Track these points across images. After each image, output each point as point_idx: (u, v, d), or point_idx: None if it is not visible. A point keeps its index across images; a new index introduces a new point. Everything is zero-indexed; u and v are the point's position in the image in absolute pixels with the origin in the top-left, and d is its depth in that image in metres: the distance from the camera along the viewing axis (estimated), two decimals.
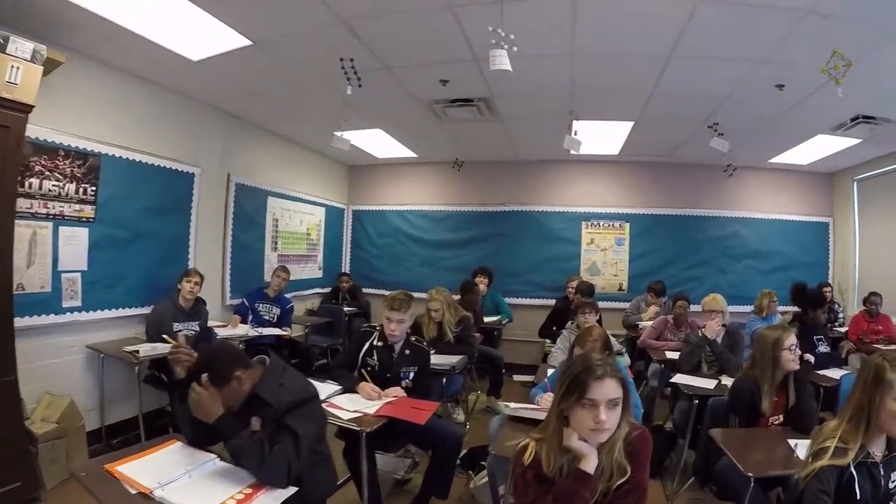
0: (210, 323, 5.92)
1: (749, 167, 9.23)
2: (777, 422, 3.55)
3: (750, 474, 2.82)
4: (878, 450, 2.38)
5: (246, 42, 4.61)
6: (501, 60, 3.76)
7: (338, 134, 5.93)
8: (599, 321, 6.35)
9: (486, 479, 3.75)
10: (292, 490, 2.37)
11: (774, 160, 8.76)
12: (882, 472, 2.35)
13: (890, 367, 2.33)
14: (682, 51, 4.66)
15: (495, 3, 3.77)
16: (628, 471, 2.02)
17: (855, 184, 8.97)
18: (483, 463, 4.04)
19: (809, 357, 3.71)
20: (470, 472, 4.42)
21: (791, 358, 3.50)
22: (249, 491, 2.29)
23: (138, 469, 2.36)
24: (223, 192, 6.92)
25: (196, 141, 6.40)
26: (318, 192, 9.32)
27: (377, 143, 8.35)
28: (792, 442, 3.10)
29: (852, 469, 2.28)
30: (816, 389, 4.17)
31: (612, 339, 5.46)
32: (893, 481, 2.38)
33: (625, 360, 5.44)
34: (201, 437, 2.69)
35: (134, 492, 2.22)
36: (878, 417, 2.32)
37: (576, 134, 6.15)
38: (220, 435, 2.61)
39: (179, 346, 2.75)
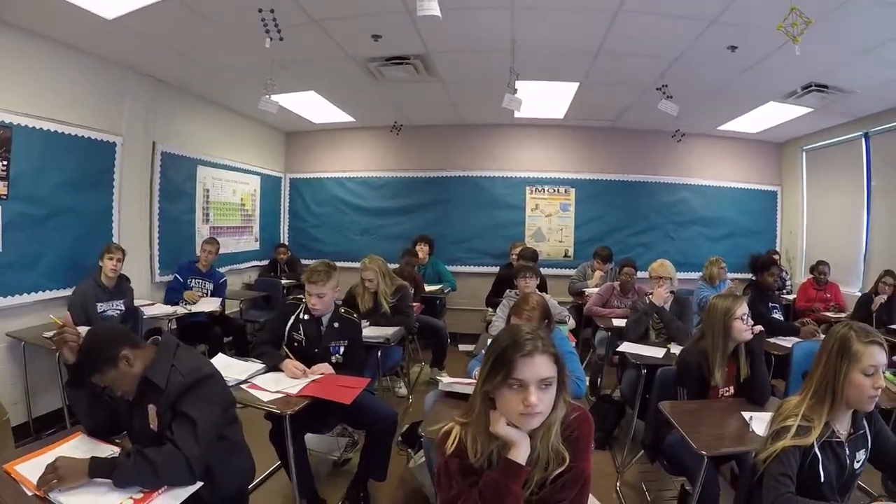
0: (137, 301, 5.62)
1: (698, 134, 9.26)
2: (728, 393, 3.48)
3: (703, 453, 2.69)
4: (843, 428, 2.28)
5: None
6: (430, 5, 3.56)
7: (266, 96, 5.71)
8: (543, 287, 6.24)
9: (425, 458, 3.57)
10: (195, 486, 2.16)
11: (724, 127, 8.80)
12: (847, 452, 2.25)
13: (856, 336, 2.20)
14: (631, 4, 4.49)
15: None
16: (567, 458, 1.76)
17: (804, 153, 9.14)
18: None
19: (760, 327, 3.58)
20: (410, 450, 4.22)
21: (743, 328, 3.42)
22: (148, 490, 2.11)
23: (35, 468, 2.14)
24: (148, 161, 6.53)
25: (118, 108, 5.99)
26: (252, 160, 8.95)
27: (313, 107, 8.09)
28: (746, 414, 3.02)
29: (816, 449, 2.17)
30: (768, 358, 4.08)
31: (558, 306, 5.35)
32: (859, 461, 2.30)
33: (567, 328, 5.27)
34: (102, 426, 2.49)
35: (30, 493, 2.06)
36: (843, 392, 2.20)
37: (516, 93, 5.97)
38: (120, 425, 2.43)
39: (64, 326, 2.43)
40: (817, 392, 2.26)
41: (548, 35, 5.19)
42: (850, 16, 4.36)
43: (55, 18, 4.64)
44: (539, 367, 1.67)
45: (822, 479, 2.15)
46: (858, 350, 2.17)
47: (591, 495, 1.86)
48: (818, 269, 7.67)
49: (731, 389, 3.49)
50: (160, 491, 2.09)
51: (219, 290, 6.60)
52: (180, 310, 5.84)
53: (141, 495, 2.06)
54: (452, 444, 1.82)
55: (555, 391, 1.73)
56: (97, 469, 2.08)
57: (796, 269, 9.15)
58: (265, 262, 9.16)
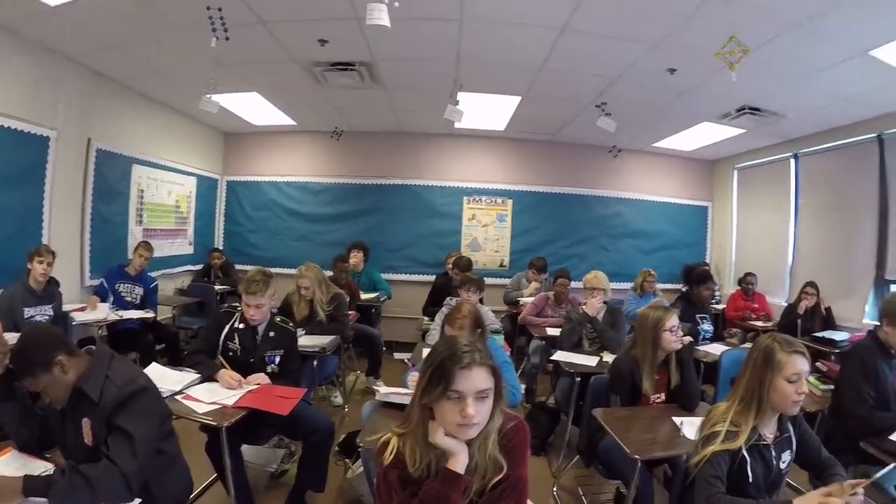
0: (66, 306, 5.46)
1: (634, 150, 9.60)
2: (659, 400, 3.64)
3: (636, 457, 2.81)
4: (769, 431, 2.43)
5: None
6: (379, 15, 3.64)
7: (207, 95, 5.65)
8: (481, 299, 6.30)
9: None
10: (136, 501, 2.17)
11: (659, 144, 9.14)
12: (773, 454, 2.41)
13: (779, 347, 2.36)
14: (577, 24, 4.67)
15: None
16: (504, 466, 1.81)
17: (735, 171, 9.64)
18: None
19: (689, 338, 3.75)
20: (347, 460, 4.23)
21: (672, 339, 3.58)
22: None
23: None
24: (82, 158, 6.33)
25: (52, 100, 5.78)
26: (189, 160, 8.76)
27: (254, 108, 8.01)
28: (677, 420, 3.19)
29: (744, 452, 2.33)
30: (697, 366, 4.27)
31: (491, 316, 5.43)
32: (784, 462, 2.46)
33: (501, 339, 5.38)
34: (34, 441, 2.45)
35: None
36: (769, 398, 2.36)
37: (458, 104, 6.10)
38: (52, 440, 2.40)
39: None
40: (744, 399, 2.41)
41: (493, 49, 5.31)
42: (784, 46, 4.63)
43: None
44: (477, 379, 1.71)
45: (751, 480, 2.32)
46: (782, 359, 2.32)
47: (528, 501, 1.90)
48: (746, 281, 8.05)
49: (663, 396, 3.65)
50: None
51: (149, 296, 6.43)
52: (112, 316, 5.67)
53: None
54: (391, 454, 1.84)
55: (492, 402, 1.77)
56: (31, 488, 2.05)
57: (725, 280, 9.57)
58: (199, 267, 8.99)
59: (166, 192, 8.18)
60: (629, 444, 2.86)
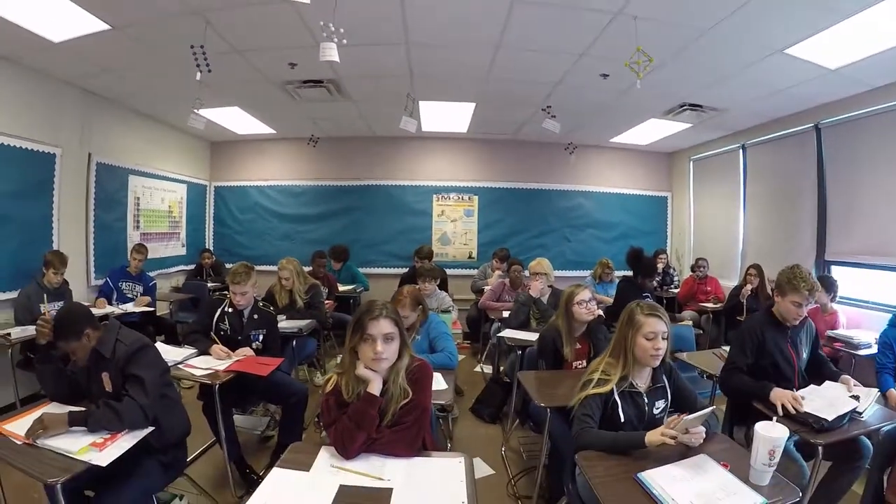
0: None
1: (592, 146, 10.04)
2: (581, 366, 4.06)
3: (542, 404, 3.39)
4: (642, 382, 2.81)
5: (104, 26, 4.71)
6: (330, 52, 4.09)
7: (195, 113, 6.02)
8: (444, 285, 6.87)
9: None
10: (148, 430, 2.77)
11: (616, 140, 9.55)
12: (646, 400, 2.77)
13: (640, 310, 2.79)
14: (508, 41, 5.14)
15: None
16: (410, 393, 2.49)
17: (691, 163, 10.03)
18: None
19: (600, 312, 4.25)
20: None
21: (583, 311, 4.07)
22: (113, 433, 2.68)
23: (21, 426, 2.68)
24: (84, 172, 6.82)
25: (56, 121, 6.27)
26: (179, 169, 9.27)
27: (236, 119, 8.46)
28: None
29: (616, 396, 2.71)
30: None
31: (446, 300, 5.98)
32: (658, 408, 2.80)
33: (452, 317, 5.93)
34: (65, 395, 3.05)
35: (20, 443, 2.57)
36: (633, 352, 2.75)
37: (412, 115, 6.61)
38: (80, 393, 3.01)
39: (45, 318, 3.05)
40: (614, 352, 2.85)
41: (440, 64, 5.80)
42: (701, 50, 5.07)
43: (3, 39, 4.95)
44: (383, 325, 2.44)
45: (623, 420, 2.68)
46: (640, 320, 2.74)
47: (479, 459, 2.51)
48: (697, 266, 8.47)
49: (584, 363, 4.06)
50: (121, 434, 2.67)
51: (149, 293, 6.89)
52: (116, 310, 6.12)
53: (109, 435, 2.64)
54: (330, 385, 2.55)
55: (398, 344, 2.49)
56: (74, 419, 2.66)
57: (685, 265, 9.95)
58: (192, 267, 9.47)
59: (160, 199, 8.65)
60: (542, 398, 3.41)
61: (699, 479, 2.23)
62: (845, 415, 2.94)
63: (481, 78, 6.25)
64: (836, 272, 6.67)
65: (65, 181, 6.38)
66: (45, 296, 4.79)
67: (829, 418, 2.84)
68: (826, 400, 3.07)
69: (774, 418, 2.70)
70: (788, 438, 2.35)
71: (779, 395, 3.05)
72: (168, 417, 3.03)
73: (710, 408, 2.60)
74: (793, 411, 2.94)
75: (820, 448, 2.83)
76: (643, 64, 4.75)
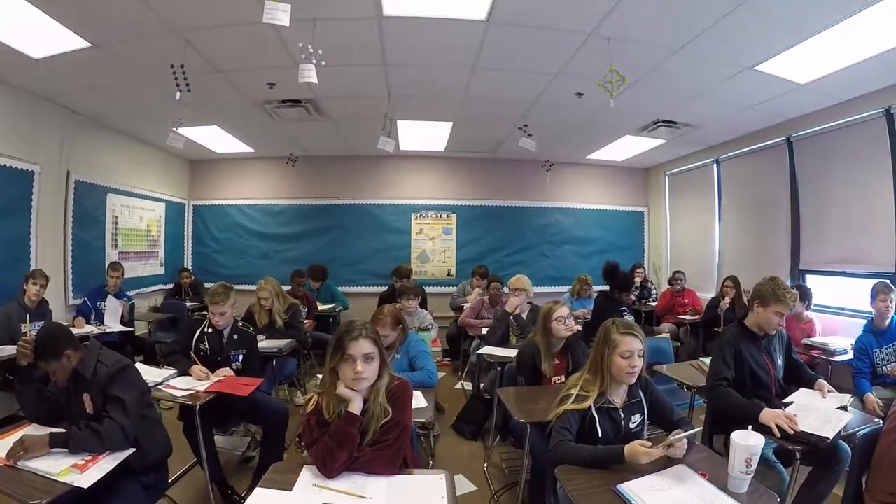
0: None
1: (568, 163, 10.18)
2: (559, 381, 4.05)
3: (522, 420, 3.40)
4: (618, 398, 2.81)
5: (85, 44, 4.74)
6: (309, 74, 4.17)
7: (174, 132, 6.08)
8: (424, 303, 6.89)
9: None
10: (129, 451, 2.76)
11: (592, 156, 9.70)
12: (623, 416, 2.78)
13: (615, 328, 2.78)
14: (483, 63, 5.27)
15: (308, 21, 4.18)
16: (390, 412, 2.50)
17: (667, 178, 10.19)
18: None
19: (578, 328, 4.29)
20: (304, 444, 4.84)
21: (561, 327, 4.09)
22: (94, 455, 2.66)
23: (3, 447, 2.65)
24: (62, 189, 6.82)
25: (35, 138, 6.26)
26: (158, 187, 9.27)
27: (215, 138, 8.50)
28: None
29: (593, 411, 2.71)
30: None
31: (427, 318, 6.00)
32: (634, 422, 2.82)
33: (431, 335, 5.92)
34: (44, 415, 3.03)
35: (0, 465, 2.53)
36: (609, 370, 2.75)
37: (390, 135, 6.67)
38: (59, 414, 2.99)
39: (26, 339, 3.06)
40: (591, 369, 2.84)
41: (418, 85, 5.91)
42: (673, 68, 5.22)
43: None
44: (363, 346, 2.45)
45: (600, 435, 2.68)
46: (616, 339, 2.73)
47: (461, 476, 2.51)
48: (674, 279, 8.55)
49: (563, 378, 4.04)
50: (103, 455, 2.65)
51: (127, 312, 6.82)
52: (95, 330, 6.07)
53: (90, 456, 2.62)
54: (311, 405, 2.56)
55: (377, 364, 2.51)
56: (55, 440, 2.65)
57: (662, 279, 10.06)
58: (170, 286, 9.40)
59: (138, 218, 8.64)
60: (521, 414, 3.43)
61: (678, 488, 2.25)
62: (842, 429, 2.96)
63: (458, 98, 6.35)
64: (811, 281, 6.84)
65: (43, 199, 6.37)
66: (27, 316, 4.77)
67: (830, 436, 2.84)
68: (817, 414, 3.09)
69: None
70: (766, 445, 2.39)
71: (771, 416, 2.99)
72: (149, 438, 3.02)
73: (697, 429, 2.67)
74: (790, 432, 2.89)
75: (798, 454, 2.86)
76: (616, 83, 4.84)
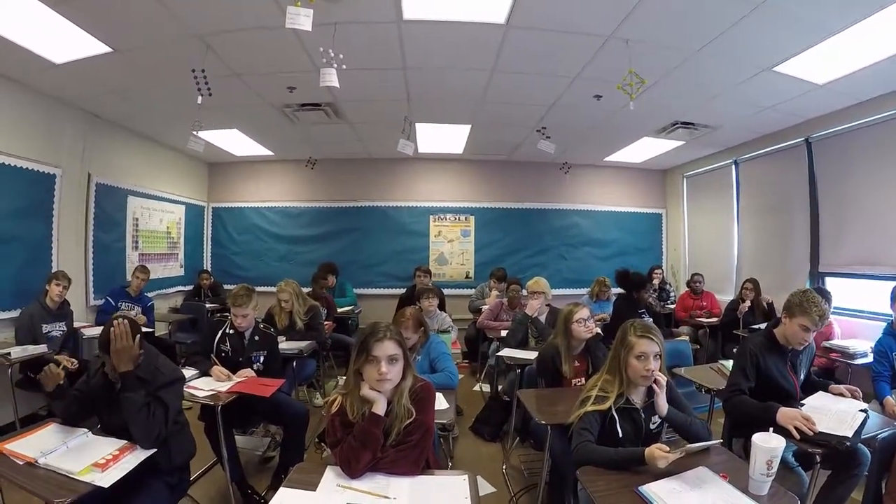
0: (76, 324, 5.95)
1: (586, 165, 10.14)
2: (580, 383, 4.00)
3: (544, 422, 3.39)
4: (638, 398, 2.82)
5: (106, 49, 4.77)
6: (330, 78, 4.21)
7: (194, 135, 6.08)
8: (442, 305, 6.90)
9: None
10: (151, 451, 2.78)
11: (610, 158, 9.65)
12: (643, 416, 2.78)
13: (632, 331, 2.79)
14: (502, 66, 5.27)
15: (329, 25, 4.20)
16: (414, 413, 2.52)
17: (685, 180, 10.12)
18: None
19: (598, 330, 4.28)
20: (324, 444, 4.81)
21: (581, 329, 4.08)
22: (117, 452, 2.67)
23: (22, 446, 2.67)
24: (84, 192, 6.86)
25: (57, 141, 6.31)
26: (177, 190, 9.31)
27: (235, 141, 8.53)
28: None
29: (613, 412, 2.72)
30: None
31: (447, 320, 6.00)
32: (654, 423, 2.82)
33: (451, 337, 5.95)
34: (74, 413, 3.02)
35: (21, 463, 2.53)
36: (626, 371, 2.77)
37: (409, 138, 6.69)
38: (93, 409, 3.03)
39: (63, 367, 3.10)
40: (610, 371, 2.86)
41: (437, 88, 5.91)
42: (692, 69, 5.18)
43: (5, 58, 4.97)
44: (387, 347, 2.47)
45: (621, 436, 2.69)
46: (632, 341, 2.75)
47: (480, 477, 2.53)
48: (693, 280, 8.53)
49: (583, 381, 3.98)
50: (124, 454, 2.67)
51: (147, 313, 6.93)
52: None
53: (111, 456, 2.62)
54: (336, 406, 2.56)
55: (402, 366, 2.53)
56: (127, 385, 2.84)
57: (681, 281, 9.92)
58: (190, 288, 9.43)
59: (158, 220, 8.68)
60: (543, 416, 3.40)
61: (699, 490, 2.25)
62: (861, 428, 2.95)
63: (477, 101, 6.36)
64: (830, 283, 6.75)
65: (65, 201, 6.40)
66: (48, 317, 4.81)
67: (850, 434, 2.83)
68: (832, 415, 3.07)
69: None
70: (786, 448, 2.38)
71: (789, 417, 2.95)
72: (178, 441, 3.08)
73: (717, 441, 2.68)
74: (809, 433, 2.86)
75: (818, 457, 2.85)
76: (635, 86, 4.82)
